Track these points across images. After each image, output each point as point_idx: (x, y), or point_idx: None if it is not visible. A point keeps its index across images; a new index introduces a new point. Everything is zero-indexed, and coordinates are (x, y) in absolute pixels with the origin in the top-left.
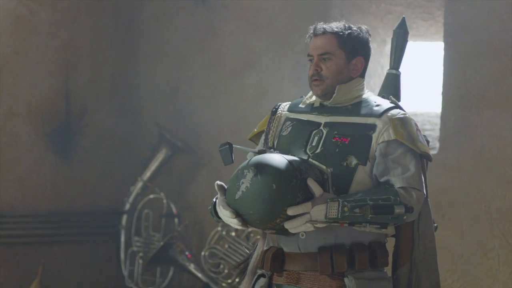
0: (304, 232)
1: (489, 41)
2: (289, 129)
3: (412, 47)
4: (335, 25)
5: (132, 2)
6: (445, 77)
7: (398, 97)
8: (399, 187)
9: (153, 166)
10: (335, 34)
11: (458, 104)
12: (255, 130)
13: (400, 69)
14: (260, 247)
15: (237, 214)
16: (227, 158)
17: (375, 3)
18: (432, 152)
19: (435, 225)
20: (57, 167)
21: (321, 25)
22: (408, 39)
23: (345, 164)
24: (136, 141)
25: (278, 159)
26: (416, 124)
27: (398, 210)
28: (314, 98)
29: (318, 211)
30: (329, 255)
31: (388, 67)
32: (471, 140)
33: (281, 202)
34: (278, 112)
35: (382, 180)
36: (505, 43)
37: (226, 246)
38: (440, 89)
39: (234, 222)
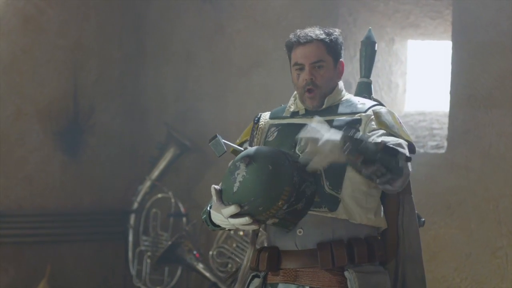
0: (302, 229)
1: (497, 40)
2: (275, 134)
3: (420, 46)
4: (318, 32)
5: (140, 1)
6: (453, 76)
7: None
8: None
9: (161, 165)
10: (322, 41)
11: (466, 103)
12: (238, 140)
13: (371, 78)
14: (251, 249)
15: (241, 207)
16: (219, 148)
17: (383, 2)
18: (440, 151)
19: (423, 219)
20: (65, 166)
21: (304, 33)
22: (376, 48)
23: None
24: (144, 140)
25: (266, 147)
26: (398, 118)
27: (402, 152)
28: (296, 105)
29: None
30: (329, 249)
31: (360, 76)
32: (479, 139)
33: (280, 181)
34: (261, 121)
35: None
36: None
37: (234, 245)
38: (448, 88)
39: (239, 222)
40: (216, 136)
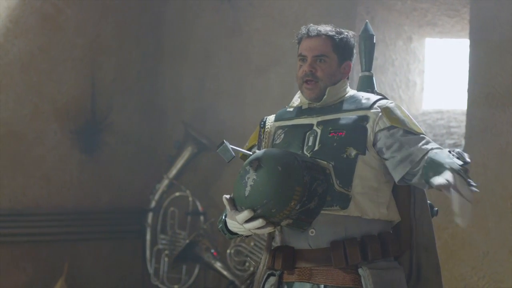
0: (314, 229)
1: None
2: (282, 136)
3: (438, 44)
4: (328, 29)
5: (158, 0)
6: (471, 74)
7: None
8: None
9: (179, 163)
10: (330, 37)
11: (484, 102)
12: (246, 145)
13: (372, 71)
14: (266, 253)
15: (254, 211)
16: (227, 154)
17: (400, 0)
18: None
19: (436, 209)
20: (82, 164)
21: (314, 27)
22: (375, 41)
23: (345, 156)
24: (162, 139)
25: (274, 149)
26: (405, 110)
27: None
28: (299, 101)
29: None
30: (342, 248)
31: (361, 70)
32: (497, 137)
33: (291, 181)
34: (267, 125)
35: (402, 155)
36: None
37: (252, 243)
38: (466, 86)
39: (253, 226)
40: (223, 143)
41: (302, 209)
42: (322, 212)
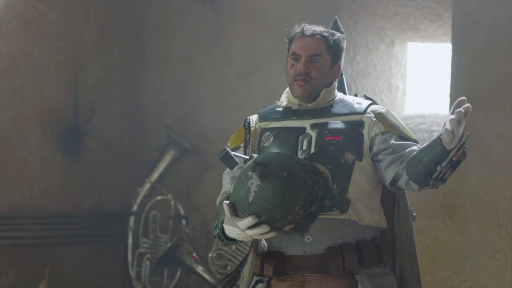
0: (311, 235)
1: (497, 43)
2: (271, 139)
3: (420, 49)
4: (322, 29)
5: (140, 4)
6: (453, 78)
7: (345, 94)
8: None
9: (161, 167)
10: (324, 38)
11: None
12: (229, 145)
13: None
14: (252, 255)
15: (258, 217)
16: (231, 163)
17: (383, 5)
18: None
19: (414, 214)
20: (65, 168)
21: (309, 27)
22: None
23: (343, 160)
24: (144, 142)
25: (274, 153)
26: (396, 116)
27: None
28: (288, 100)
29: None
30: (339, 254)
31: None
32: (479, 142)
33: (296, 186)
34: (251, 126)
35: (392, 157)
36: None
37: (234, 247)
38: (448, 91)
39: (257, 232)
40: (225, 150)
41: (304, 213)
42: (320, 217)
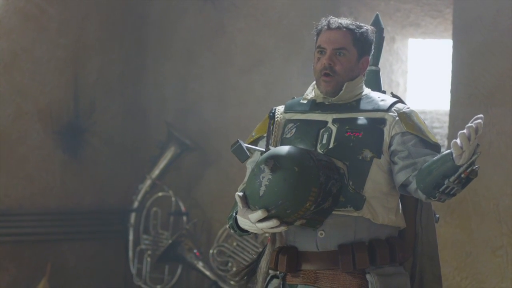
0: (323, 231)
1: (498, 39)
2: (293, 130)
3: (421, 45)
4: (349, 22)
5: (141, 0)
6: (454, 75)
7: (380, 92)
8: None
9: (162, 164)
10: (350, 31)
11: (467, 102)
12: (253, 135)
13: (379, 65)
14: (270, 248)
15: (268, 211)
16: (242, 155)
17: (384, 1)
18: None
19: (437, 216)
20: (65, 165)
21: (335, 20)
22: (384, 34)
23: (360, 157)
24: (145, 139)
25: (289, 147)
26: (420, 116)
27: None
28: (313, 93)
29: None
30: (350, 252)
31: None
32: (480, 138)
33: (307, 182)
34: (276, 116)
35: (406, 162)
36: None
37: (235, 244)
38: (449, 87)
39: (267, 226)
40: (238, 142)
41: (316, 209)
42: (334, 213)
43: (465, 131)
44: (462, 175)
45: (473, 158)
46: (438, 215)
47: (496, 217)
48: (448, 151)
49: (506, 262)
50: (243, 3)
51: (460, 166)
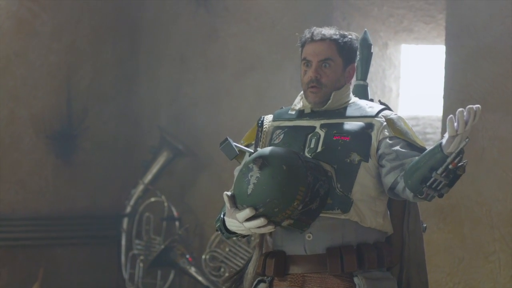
0: (311, 233)
1: (490, 45)
2: (281, 136)
3: (414, 50)
4: (332, 32)
5: (134, 5)
6: (447, 80)
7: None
8: None
9: (154, 169)
10: (334, 41)
11: (460, 108)
12: (242, 142)
13: (367, 80)
14: (257, 253)
15: (256, 209)
16: (231, 152)
17: (377, 6)
18: None
19: (424, 225)
20: (58, 169)
21: (319, 31)
22: (372, 50)
23: (348, 160)
24: (137, 144)
25: (277, 148)
26: (407, 122)
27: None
28: (301, 104)
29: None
30: (338, 255)
31: (356, 79)
32: (472, 144)
33: (295, 181)
34: (264, 124)
35: (394, 164)
36: (507, 47)
37: (227, 249)
38: (442, 93)
39: (254, 225)
40: (226, 140)
41: (304, 210)
42: (321, 215)
43: (464, 111)
44: (450, 166)
45: (462, 145)
46: (425, 225)
47: (489, 222)
48: (436, 144)
49: (499, 267)
50: (236, 8)
51: (447, 156)
